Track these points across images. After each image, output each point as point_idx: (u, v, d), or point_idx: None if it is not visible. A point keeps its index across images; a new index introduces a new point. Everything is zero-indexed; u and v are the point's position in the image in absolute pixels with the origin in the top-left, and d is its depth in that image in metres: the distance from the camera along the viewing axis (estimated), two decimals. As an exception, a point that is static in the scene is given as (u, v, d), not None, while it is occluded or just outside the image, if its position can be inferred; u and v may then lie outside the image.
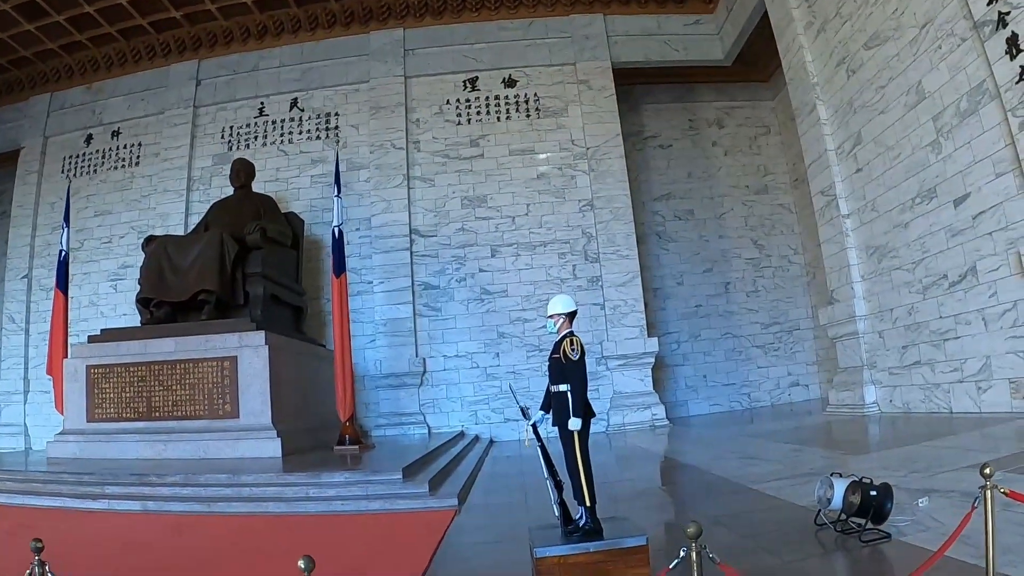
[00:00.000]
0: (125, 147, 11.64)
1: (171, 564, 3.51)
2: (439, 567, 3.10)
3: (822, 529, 3.03)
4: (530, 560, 2.71)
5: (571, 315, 2.93)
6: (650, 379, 9.89)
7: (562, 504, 2.74)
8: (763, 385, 11.26)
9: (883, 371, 7.91)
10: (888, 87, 7.32)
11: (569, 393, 2.73)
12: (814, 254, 11.13)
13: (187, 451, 6.60)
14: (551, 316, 2.93)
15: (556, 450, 2.82)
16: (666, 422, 9.56)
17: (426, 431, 9.56)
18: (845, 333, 8.55)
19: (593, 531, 2.64)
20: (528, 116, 10.53)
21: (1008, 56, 5.57)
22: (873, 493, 2.83)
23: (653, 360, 9.92)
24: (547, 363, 2.93)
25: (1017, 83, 5.50)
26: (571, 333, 2.85)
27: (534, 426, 2.86)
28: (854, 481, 2.93)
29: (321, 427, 7.87)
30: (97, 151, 11.78)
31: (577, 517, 2.72)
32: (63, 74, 11.97)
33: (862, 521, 2.86)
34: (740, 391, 11.22)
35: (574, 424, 2.70)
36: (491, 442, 9.36)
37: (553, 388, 2.83)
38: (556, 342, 2.87)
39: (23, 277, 11.59)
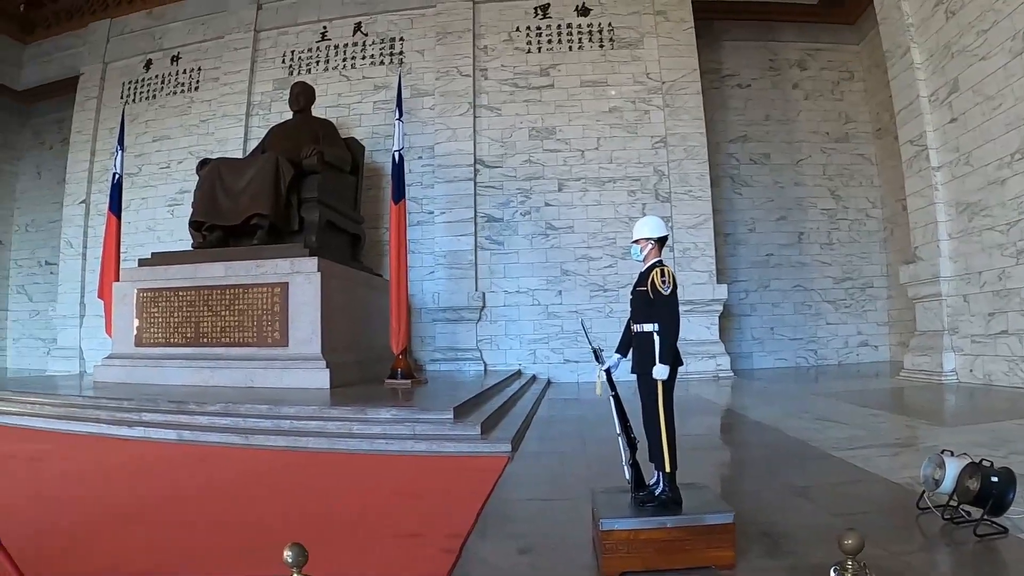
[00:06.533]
0: (184, 72, 11.51)
1: (167, 496, 3.23)
2: (486, 527, 2.69)
3: (925, 514, 2.60)
4: (591, 527, 2.34)
5: (661, 241, 2.47)
6: (716, 328, 9.48)
7: (634, 465, 2.35)
8: (831, 343, 10.76)
9: (965, 338, 7.46)
10: (991, 31, 6.75)
11: (656, 335, 2.29)
12: (893, 209, 10.53)
13: (234, 379, 6.46)
14: (637, 241, 2.46)
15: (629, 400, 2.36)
16: (730, 373, 9.19)
17: (482, 368, 9.32)
18: (926, 294, 8.08)
19: (671, 502, 2.26)
20: (601, 47, 10.02)
21: None
22: (994, 479, 2.38)
23: (721, 308, 9.50)
24: (629, 298, 2.48)
25: None
26: (661, 262, 2.39)
27: (608, 371, 2.43)
28: (972, 463, 2.49)
29: (374, 360, 7.64)
30: (156, 76, 11.68)
31: (652, 483, 2.33)
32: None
33: (974, 510, 2.44)
34: (807, 347, 10.74)
35: (660, 372, 2.27)
36: (548, 383, 9.08)
37: (636, 327, 2.39)
38: (642, 272, 2.42)
39: (81, 202, 11.66)
